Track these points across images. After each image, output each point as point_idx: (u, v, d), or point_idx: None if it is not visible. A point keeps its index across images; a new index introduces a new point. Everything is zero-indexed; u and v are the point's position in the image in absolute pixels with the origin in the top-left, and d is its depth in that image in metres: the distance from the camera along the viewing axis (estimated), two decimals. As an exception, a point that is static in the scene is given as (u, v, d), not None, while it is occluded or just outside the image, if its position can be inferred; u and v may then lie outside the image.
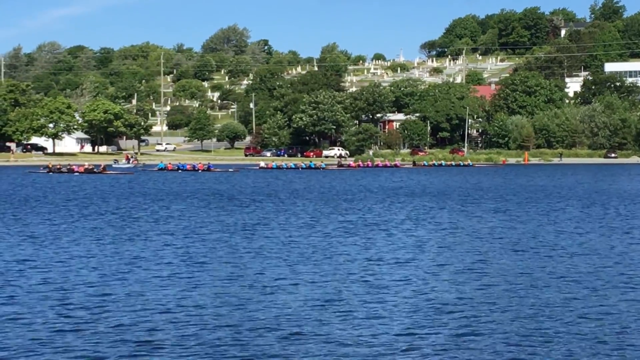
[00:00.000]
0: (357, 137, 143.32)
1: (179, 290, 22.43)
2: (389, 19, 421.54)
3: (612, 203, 52.21)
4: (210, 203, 51.77)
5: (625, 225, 38.79)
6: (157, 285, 23.13)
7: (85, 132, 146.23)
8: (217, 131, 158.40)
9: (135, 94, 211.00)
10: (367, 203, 52.10)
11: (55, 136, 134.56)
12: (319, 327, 18.40)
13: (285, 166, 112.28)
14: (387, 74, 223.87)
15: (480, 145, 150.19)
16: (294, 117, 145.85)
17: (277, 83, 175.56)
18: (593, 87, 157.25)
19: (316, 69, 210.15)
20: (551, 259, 27.93)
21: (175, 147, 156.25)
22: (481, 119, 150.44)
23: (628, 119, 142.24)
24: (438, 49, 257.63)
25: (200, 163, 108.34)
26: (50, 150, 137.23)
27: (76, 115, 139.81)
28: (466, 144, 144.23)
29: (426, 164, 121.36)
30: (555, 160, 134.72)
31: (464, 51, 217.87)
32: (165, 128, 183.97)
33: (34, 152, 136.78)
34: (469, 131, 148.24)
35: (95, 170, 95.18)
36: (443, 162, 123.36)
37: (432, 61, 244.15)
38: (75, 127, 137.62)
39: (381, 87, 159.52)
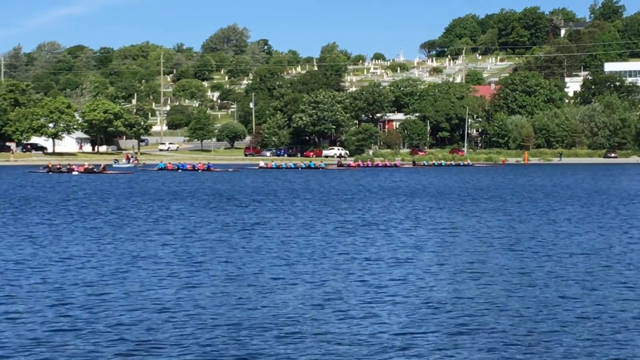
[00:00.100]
0: (356, 137, 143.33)
1: (177, 289, 22.47)
2: (388, 18, 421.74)
3: (611, 203, 52.22)
4: (210, 203, 51.79)
5: (624, 225, 38.82)
6: (156, 284, 23.16)
7: (85, 132, 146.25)
8: (217, 131, 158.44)
9: (135, 94, 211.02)
10: (367, 203, 52.11)
11: (55, 136, 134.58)
12: (318, 326, 18.43)
13: (284, 166, 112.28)
14: (386, 73, 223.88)
15: (480, 145, 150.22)
16: (293, 116, 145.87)
17: (277, 83, 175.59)
18: (593, 87, 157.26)
19: (316, 68, 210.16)
20: (549, 259, 27.95)
21: (178, 147, 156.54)
22: (481, 118, 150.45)
23: (628, 119, 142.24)
24: (438, 48, 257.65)
25: (200, 163, 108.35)
26: (50, 150, 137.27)
27: (76, 115, 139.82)
28: (466, 144, 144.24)
29: (426, 164, 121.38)
30: (555, 160, 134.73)
31: (463, 51, 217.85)
32: (165, 128, 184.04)
33: (33, 151, 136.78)
34: (469, 131, 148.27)
35: (95, 170, 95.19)
36: (443, 162, 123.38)
37: (432, 61, 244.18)
38: (75, 127, 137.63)
39: (381, 87, 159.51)
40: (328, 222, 40.03)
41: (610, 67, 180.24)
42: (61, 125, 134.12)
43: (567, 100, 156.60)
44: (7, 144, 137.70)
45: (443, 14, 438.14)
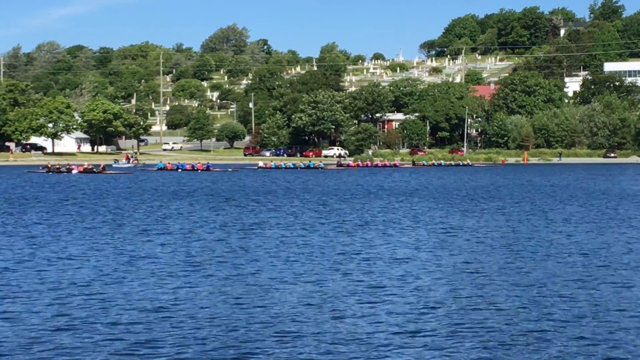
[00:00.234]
0: (356, 137, 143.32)
1: (176, 289, 22.47)
2: (388, 18, 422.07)
3: (610, 203, 52.22)
4: (209, 203, 51.77)
5: (623, 225, 38.82)
6: (154, 284, 23.16)
7: (85, 132, 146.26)
8: (216, 131, 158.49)
9: (135, 94, 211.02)
10: (366, 203, 52.10)
11: (54, 136, 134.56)
12: (316, 326, 18.44)
13: (284, 166, 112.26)
14: (386, 73, 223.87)
15: (479, 145, 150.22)
16: (293, 116, 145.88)
17: (277, 83, 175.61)
18: (592, 87, 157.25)
19: (315, 68, 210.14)
20: (547, 258, 27.96)
21: (182, 147, 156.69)
22: (480, 118, 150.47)
23: (627, 119, 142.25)
24: (437, 48, 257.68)
25: (199, 163, 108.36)
26: (49, 150, 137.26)
27: (75, 115, 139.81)
28: (465, 144, 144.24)
29: (425, 164, 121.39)
30: (555, 160, 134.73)
31: (463, 51, 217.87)
32: (164, 128, 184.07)
33: (33, 151, 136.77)
34: (468, 131, 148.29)
35: (94, 170, 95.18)
36: (442, 162, 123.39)
37: (432, 61, 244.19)
38: (74, 127, 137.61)
39: (380, 87, 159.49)
40: (327, 222, 40.02)
41: (609, 67, 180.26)
42: (60, 125, 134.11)
43: (566, 100, 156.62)
44: (7, 144, 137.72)
45: (442, 14, 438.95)
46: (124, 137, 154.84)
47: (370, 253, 29.19)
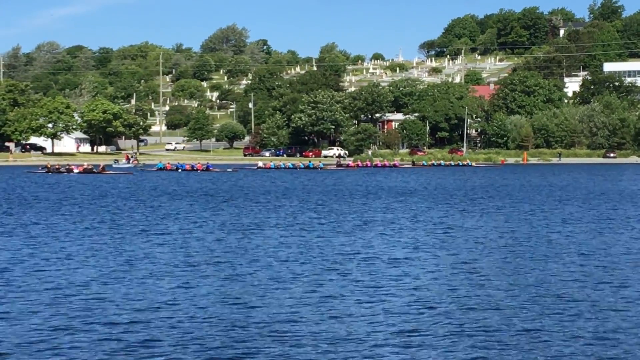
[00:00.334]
0: (356, 137, 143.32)
1: (175, 289, 22.49)
2: (388, 18, 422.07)
3: (609, 203, 52.24)
4: (208, 203, 51.79)
5: (621, 225, 38.84)
6: (153, 284, 23.19)
7: (84, 132, 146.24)
8: (216, 131, 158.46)
9: (134, 94, 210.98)
10: (365, 203, 52.11)
11: (54, 136, 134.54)
12: (314, 325, 18.46)
13: (283, 166, 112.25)
14: (386, 73, 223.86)
15: (479, 145, 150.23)
16: (293, 117, 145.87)
17: (276, 83, 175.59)
18: (592, 87, 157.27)
19: (315, 68, 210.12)
20: (546, 258, 27.98)
21: (184, 147, 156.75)
22: (480, 118, 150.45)
23: (627, 119, 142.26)
24: (437, 48, 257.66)
25: (199, 163, 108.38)
26: (49, 150, 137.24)
27: (75, 115, 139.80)
28: (465, 144, 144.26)
29: (425, 164, 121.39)
30: (554, 160, 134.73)
31: (462, 51, 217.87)
32: (164, 128, 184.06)
33: (32, 152, 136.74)
34: (468, 131, 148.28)
35: (94, 170, 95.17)
36: (442, 162, 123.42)
37: (431, 61, 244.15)
38: (74, 127, 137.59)
39: (380, 87, 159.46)
40: (326, 222, 40.05)
41: (609, 67, 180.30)
42: (60, 125, 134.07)
43: (566, 101, 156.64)
44: (6, 144, 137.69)
45: (442, 14, 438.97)
46: (123, 137, 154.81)
47: (370, 253, 29.21)
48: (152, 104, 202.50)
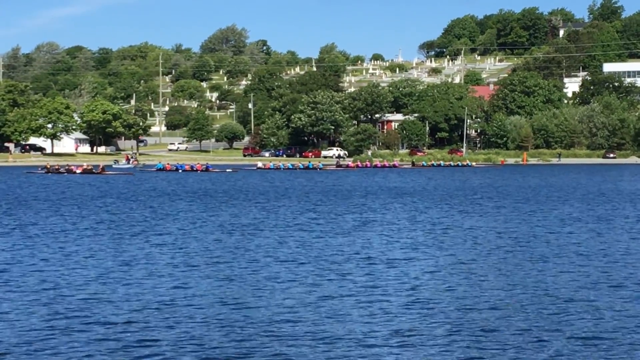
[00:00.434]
0: (355, 138, 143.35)
1: (174, 289, 22.48)
2: (387, 19, 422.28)
3: (608, 204, 52.24)
4: (207, 203, 51.79)
5: (622, 225, 38.84)
6: (152, 284, 23.18)
7: (84, 133, 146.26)
8: (215, 131, 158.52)
9: (134, 94, 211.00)
10: (365, 203, 52.11)
11: (53, 136, 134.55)
12: (313, 325, 18.45)
13: (282, 166, 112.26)
14: (385, 74, 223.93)
15: (478, 145, 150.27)
16: (292, 117, 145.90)
17: (276, 83, 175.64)
18: (591, 88, 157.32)
19: (315, 69, 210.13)
20: (545, 258, 27.98)
21: (187, 147, 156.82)
22: (480, 119, 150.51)
23: (626, 119, 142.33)
24: (436, 49, 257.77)
25: (198, 163, 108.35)
26: (48, 150, 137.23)
27: (75, 115, 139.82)
28: (465, 144, 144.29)
29: (425, 164, 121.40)
30: (554, 161, 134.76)
31: (462, 51, 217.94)
32: (164, 128, 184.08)
33: (32, 152, 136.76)
34: (468, 131, 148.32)
35: (94, 170, 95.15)
36: (442, 163, 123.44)
37: (431, 61, 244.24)
38: (73, 127, 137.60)
39: (380, 88, 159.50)
40: (325, 222, 40.04)
41: (609, 67, 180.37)
42: (60, 125, 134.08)
43: (565, 101, 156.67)
44: (6, 144, 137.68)
45: (442, 15, 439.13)
46: (123, 137, 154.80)
47: (369, 253, 29.21)
48: (152, 104, 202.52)
